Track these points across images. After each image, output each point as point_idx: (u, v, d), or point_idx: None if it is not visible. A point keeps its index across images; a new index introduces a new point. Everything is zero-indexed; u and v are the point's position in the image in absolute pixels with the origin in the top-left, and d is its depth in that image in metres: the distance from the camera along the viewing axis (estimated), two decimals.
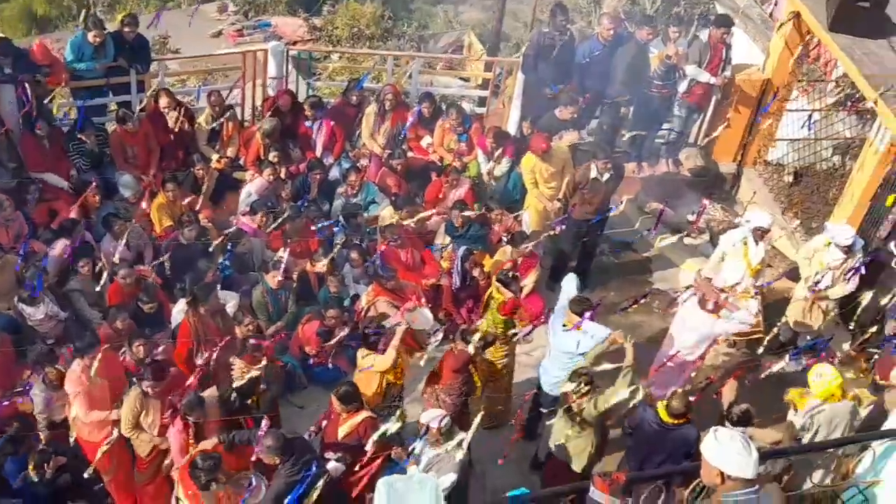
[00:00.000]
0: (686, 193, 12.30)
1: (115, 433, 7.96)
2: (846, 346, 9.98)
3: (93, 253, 9.88)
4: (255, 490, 7.53)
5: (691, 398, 7.73)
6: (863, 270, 9.44)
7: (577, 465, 7.97)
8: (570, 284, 8.98)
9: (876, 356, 9.37)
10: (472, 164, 11.87)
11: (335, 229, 10.82)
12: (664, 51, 12.05)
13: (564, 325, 8.48)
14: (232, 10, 20.74)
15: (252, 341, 8.87)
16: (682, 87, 12.24)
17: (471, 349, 8.41)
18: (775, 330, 8.90)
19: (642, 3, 19.18)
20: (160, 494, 8.42)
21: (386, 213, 11.16)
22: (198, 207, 10.68)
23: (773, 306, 10.33)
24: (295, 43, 18.51)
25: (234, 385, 8.18)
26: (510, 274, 9.17)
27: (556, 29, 11.91)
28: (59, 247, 9.83)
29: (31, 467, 7.81)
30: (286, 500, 6.98)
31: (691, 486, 5.56)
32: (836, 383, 8.00)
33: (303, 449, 7.48)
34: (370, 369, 8.46)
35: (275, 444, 7.29)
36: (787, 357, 8.27)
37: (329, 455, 7.80)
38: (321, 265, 10.25)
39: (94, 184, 10.66)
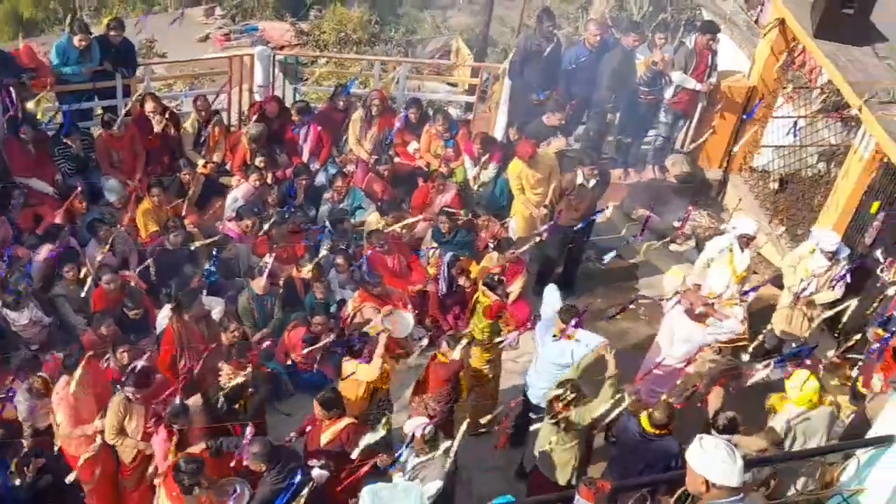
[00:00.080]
0: (672, 200, 12.32)
1: (99, 440, 7.93)
2: (830, 354, 10.01)
3: (78, 258, 9.84)
4: (240, 497, 7.50)
5: (676, 405, 7.74)
6: (848, 278, 9.49)
7: (562, 478, 7.96)
8: (551, 295, 8.97)
9: (860, 363, 9.40)
10: (459, 169, 11.87)
11: (320, 235, 10.80)
12: (650, 57, 12.08)
13: (555, 336, 8.45)
14: (219, 14, 20.72)
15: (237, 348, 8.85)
16: (669, 93, 12.27)
17: (456, 355, 8.40)
18: (760, 337, 8.91)
19: (629, 10, 19.23)
20: (144, 501, 8.36)
21: (372, 219, 11.15)
22: (184, 213, 10.66)
23: (759, 313, 10.34)
24: (282, 47, 18.49)
25: (222, 389, 8.16)
26: (496, 277, 9.16)
27: (542, 35, 11.92)
28: (44, 252, 9.78)
29: (12, 470, 7.75)
30: None
31: (676, 495, 5.57)
32: (813, 389, 8.04)
33: (289, 456, 7.46)
34: (352, 377, 8.44)
35: (261, 451, 7.28)
36: (772, 364, 8.29)
37: (313, 462, 7.79)
38: (306, 271, 10.24)
39: (79, 189, 10.61)
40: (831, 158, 12.71)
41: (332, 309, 10.22)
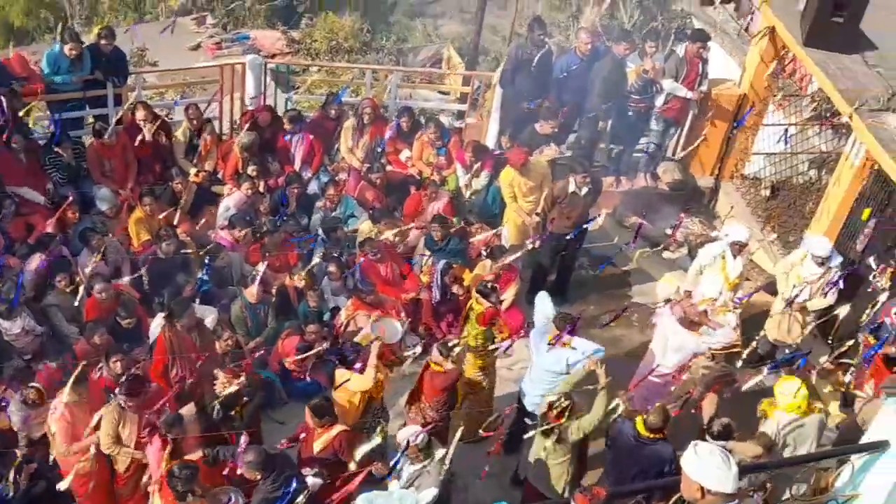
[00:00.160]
0: (664, 207, 12.35)
1: (93, 449, 7.90)
2: (823, 360, 10.04)
3: (70, 268, 9.81)
4: None
5: (672, 413, 7.75)
6: (840, 284, 9.52)
7: (553, 493, 7.94)
8: (544, 303, 8.97)
9: (852, 368, 9.43)
10: (451, 177, 11.88)
11: (313, 244, 10.80)
12: (641, 65, 12.13)
13: (550, 343, 8.45)
14: (210, 22, 20.70)
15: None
16: (660, 101, 12.31)
17: (449, 365, 8.40)
18: (754, 343, 8.94)
19: (620, 18, 19.31)
20: None
21: (364, 227, 11.15)
22: (176, 221, 10.63)
23: (751, 320, 10.38)
24: (273, 56, 18.50)
25: (217, 397, 8.15)
26: (489, 285, 9.17)
27: (533, 43, 11.96)
28: (36, 261, 9.75)
29: (7, 478, 7.71)
30: None
31: (671, 501, 5.57)
32: (802, 396, 8.06)
33: (283, 465, 7.44)
34: (346, 386, 8.43)
35: (256, 460, 7.26)
36: (765, 370, 8.30)
37: (306, 470, 7.77)
38: (299, 279, 10.23)
39: (70, 198, 10.58)
40: (822, 166, 12.76)
41: (326, 317, 10.21)
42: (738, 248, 9.80)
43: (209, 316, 9.66)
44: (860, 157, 10.18)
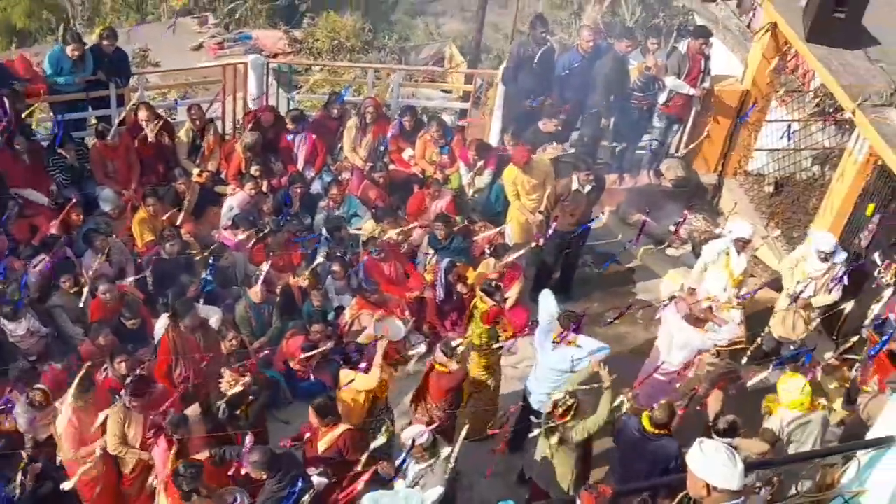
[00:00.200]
0: (668, 204, 12.35)
1: (99, 451, 7.91)
2: (828, 356, 10.03)
3: (74, 269, 9.82)
4: None
5: (678, 411, 7.75)
6: (845, 280, 9.50)
7: (558, 493, 7.95)
8: (548, 301, 8.95)
9: (858, 364, 9.42)
10: (454, 176, 11.87)
11: (317, 244, 10.80)
12: (643, 62, 12.12)
13: (554, 341, 8.44)
14: (212, 22, 20.71)
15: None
16: (662, 98, 12.30)
17: (453, 366, 8.40)
18: (759, 340, 8.94)
19: (622, 15, 19.31)
20: None
21: (368, 226, 11.15)
22: (179, 222, 10.64)
23: (756, 316, 10.36)
24: (275, 56, 18.52)
25: (223, 396, 8.16)
26: (493, 283, 9.16)
27: (535, 40, 11.95)
28: (40, 263, 9.76)
29: (15, 479, 7.71)
30: None
31: (678, 499, 5.57)
32: (806, 393, 8.05)
33: (289, 464, 7.44)
34: (351, 384, 8.43)
35: (261, 459, 7.25)
36: (770, 367, 8.30)
37: (311, 470, 7.77)
38: (303, 278, 10.23)
39: (74, 200, 10.59)
40: (826, 161, 12.76)
41: (330, 317, 10.21)
42: (742, 244, 9.79)
43: (213, 316, 9.66)
44: (863, 152, 10.17)
